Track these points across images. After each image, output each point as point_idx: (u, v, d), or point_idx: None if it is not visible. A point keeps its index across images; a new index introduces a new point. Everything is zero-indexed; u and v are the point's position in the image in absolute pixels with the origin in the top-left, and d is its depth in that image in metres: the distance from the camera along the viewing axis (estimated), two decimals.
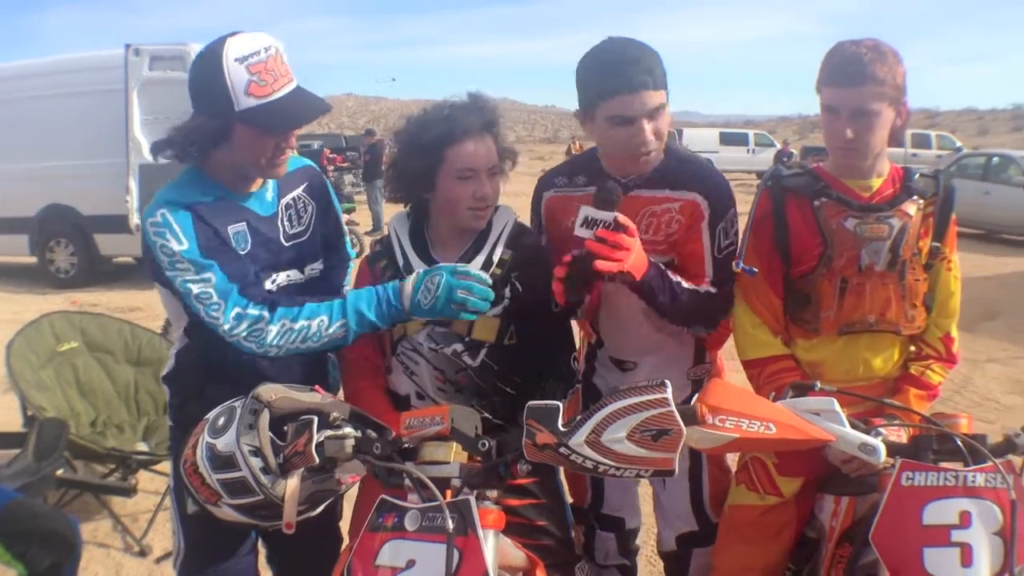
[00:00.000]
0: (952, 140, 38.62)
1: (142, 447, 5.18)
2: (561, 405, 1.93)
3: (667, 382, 1.89)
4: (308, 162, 2.88)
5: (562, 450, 1.87)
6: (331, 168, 23.81)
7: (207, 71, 2.41)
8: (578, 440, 1.85)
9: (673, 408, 1.84)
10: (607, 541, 3.24)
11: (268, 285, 2.62)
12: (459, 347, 2.66)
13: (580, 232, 2.43)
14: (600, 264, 2.38)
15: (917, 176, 2.73)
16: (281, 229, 2.67)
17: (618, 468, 1.86)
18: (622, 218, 2.42)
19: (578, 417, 1.90)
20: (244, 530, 2.73)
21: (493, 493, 2.06)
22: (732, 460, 3.12)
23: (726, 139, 39.54)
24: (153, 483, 5.37)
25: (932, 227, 2.73)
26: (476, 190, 2.62)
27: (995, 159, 20.93)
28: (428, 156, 2.60)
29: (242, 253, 2.56)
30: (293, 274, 2.70)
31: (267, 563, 3.07)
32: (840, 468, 2.52)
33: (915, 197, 2.69)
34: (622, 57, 2.59)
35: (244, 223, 2.59)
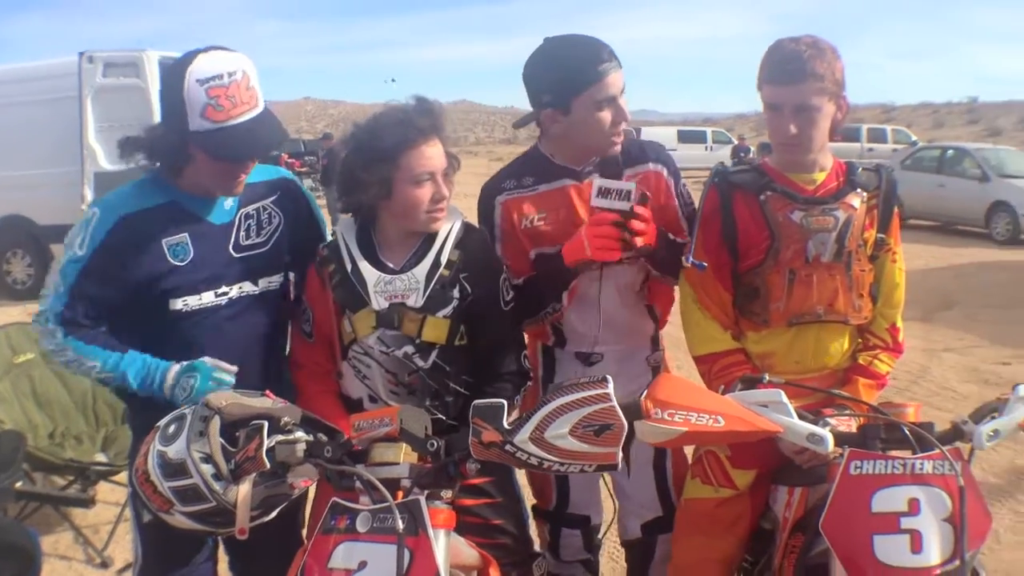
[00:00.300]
0: (908, 134, 39.09)
1: (101, 458, 5.13)
2: (506, 403, 1.95)
3: (608, 377, 1.92)
4: (285, 173, 2.88)
5: (507, 447, 1.89)
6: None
7: (170, 85, 2.44)
8: (522, 437, 1.87)
9: (615, 403, 1.87)
10: (572, 538, 3.26)
11: (213, 298, 2.62)
12: (410, 349, 2.65)
13: (597, 202, 2.64)
14: (638, 241, 2.64)
15: (860, 170, 2.78)
16: (233, 239, 2.67)
17: (562, 464, 1.89)
18: (659, 181, 2.83)
19: (523, 415, 1.91)
20: (200, 538, 2.72)
21: (448, 493, 2.07)
22: (689, 448, 3.15)
23: (684, 137, 39.60)
24: (114, 494, 5.32)
25: (876, 219, 2.79)
26: (435, 193, 2.63)
27: (950, 152, 21.21)
28: (384, 163, 2.59)
29: (180, 264, 2.57)
30: (246, 286, 2.70)
31: (229, 570, 3.05)
32: (793, 459, 2.55)
33: (859, 190, 2.74)
34: (592, 45, 2.77)
35: (185, 234, 2.59)
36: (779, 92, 2.62)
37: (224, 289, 2.65)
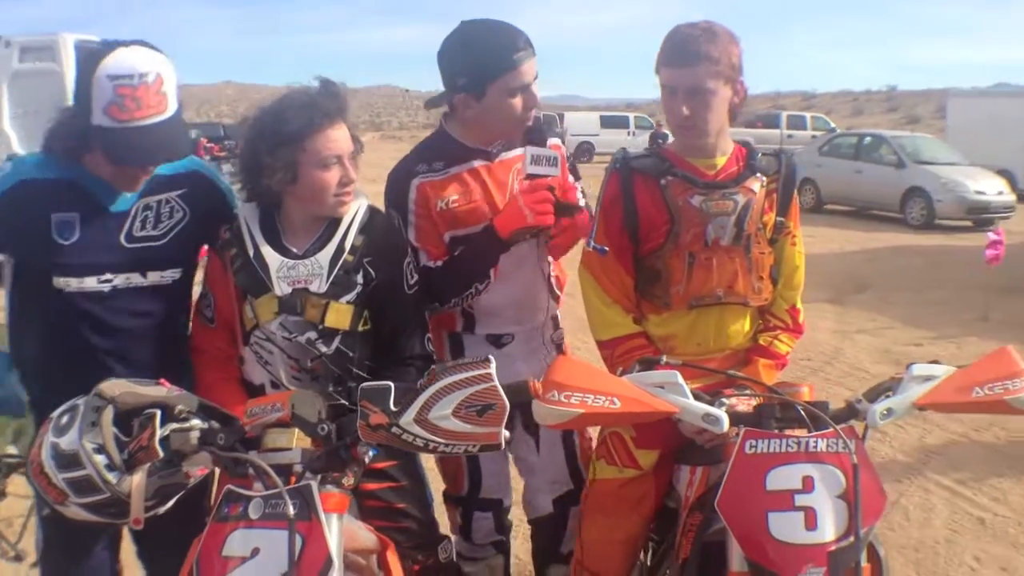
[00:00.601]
0: (826, 121, 39.80)
1: (12, 450, 4.99)
2: (393, 385, 1.95)
3: (491, 358, 1.93)
4: (199, 167, 2.82)
5: (394, 429, 1.89)
6: (208, 158, 23.18)
7: (83, 73, 2.40)
8: (408, 419, 1.88)
9: (496, 383, 1.88)
10: (484, 521, 3.29)
11: (96, 284, 2.57)
12: (313, 335, 2.63)
13: (533, 169, 2.80)
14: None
15: (760, 155, 2.82)
16: (125, 229, 2.61)
17: (447, 445, 1.90)
18: (562, 154, 2.94)
19: (409, 397, 1.92)
20: (99, 528, 2.68)
21: (349, 480, 2.06)
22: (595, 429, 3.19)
23: (607, 122, 39.84)
24: (26, 486, 5.19)
25: (776, 203, 2.83)
26: (342, 176, 2.61)
27: (867, 139, 21.68)
28: (290, 147, 2.55)
29: (64, 243, 2.52)
30: (134, 277, 2.64)
31: (137, 558, 3.01)
32: (694, 439, 2.58)
33: (759, 174, 2.78)
34: (508, 32, 2.83)
35: (76, 214, 2.54)
36: (673, 74, 2.66)
37: (108, 277, 2.59)
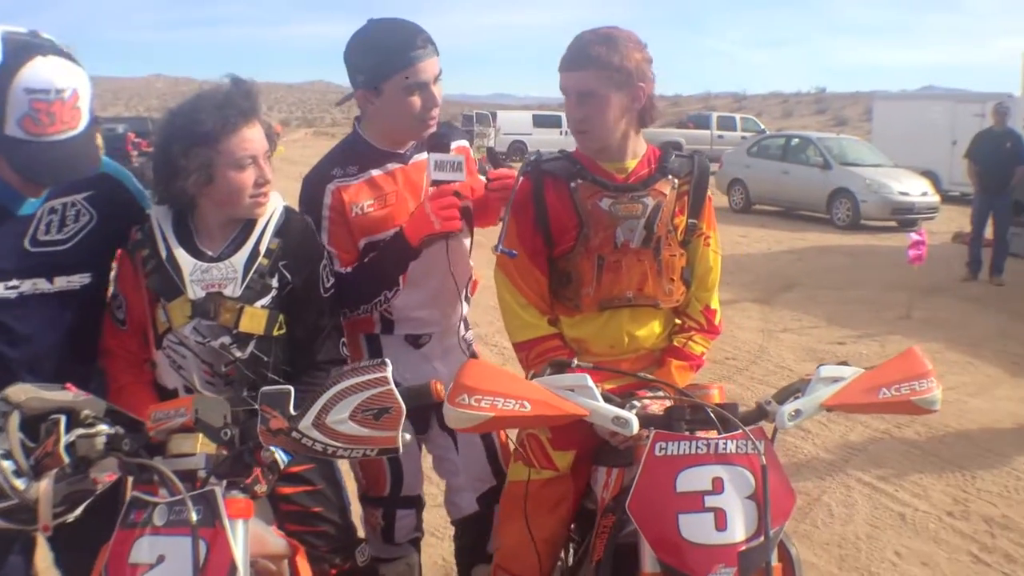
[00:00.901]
0: (756, 123, 40.32)
1: None
2: (293, 389, 1.95)
3: (387, 361, 1.94)
4: (110, 170, 2.75)
5: (294, 434, 1.90)
6: (135, 153, 22.73)
7: (1, 78, 2.32)
8: (306, 423, 1.89)
9: (393, 387, 1.90)
10: (407, 519, 3.31)
11: (3, 290, 2.51)
12: (227, 340, 2.60)
13: (437, 175, 2.79)
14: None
15: (673, 157, 2.84)
16: (30, 233, 2.56)
17: (346, 449, 1.91)
18: (468, 155, 2.98)
19: (307, 401, 1.92)
20: (10, 534, 2.63)
21: (263, 486, 2.06)
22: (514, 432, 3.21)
23: (539, 121, 39.89)
24: None
25: (687, 205, 2.86)
26: (258, 177, 2.59)
27: (794, 140, 22.01)
28: (205, 148, 2.52)
29: None
30: (40, 283, 2.58)
31: (55, 565, 2.96)
32: (609, 440, 2.61)
33: (670, 176, 2.81)
34: (407, 30, 2.84)
35: None
36: (564, 78, 2.72)
37: (14, 283, 2.53)
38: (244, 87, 2.62)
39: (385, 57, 2.82)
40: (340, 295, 2.87)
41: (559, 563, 3.12)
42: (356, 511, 3.25)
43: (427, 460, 3.41)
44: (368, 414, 1.87)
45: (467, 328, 3.35)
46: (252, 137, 2.57)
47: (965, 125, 20.93)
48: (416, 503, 3.33)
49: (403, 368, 3.05)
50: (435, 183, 2.79)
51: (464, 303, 3.26)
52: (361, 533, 3.22)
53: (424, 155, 2.94)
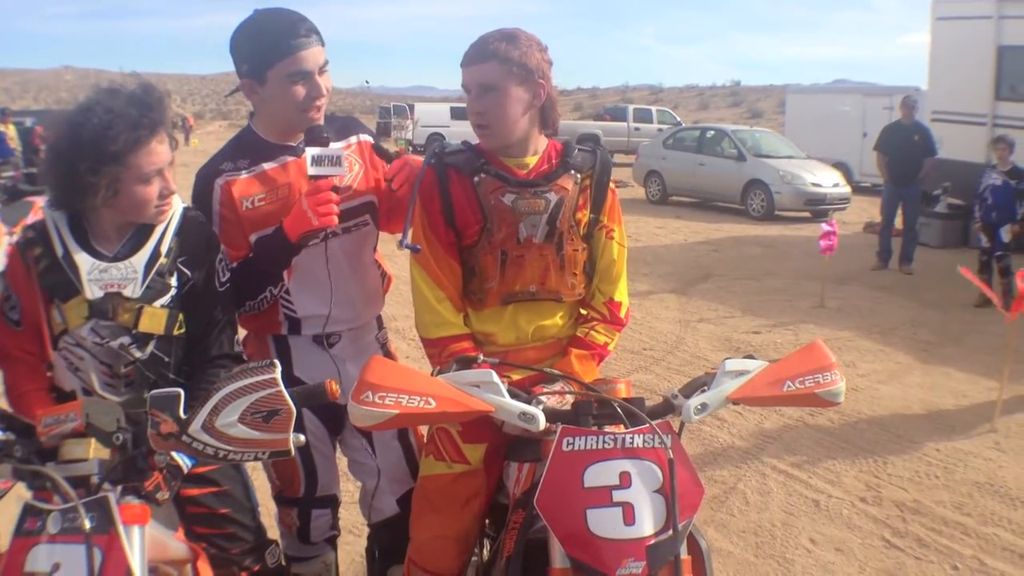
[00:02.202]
0: (672, 115, 40.73)
1: None
2: (182, 392, 1.91)
3: (276, 363, 1.92)
4: None
5: (184, 438, 1.86)
6: (44, 147, 22.11)
7: None
8: (196, 427, 1.86)
9: (282, 388, 1.88)
10: (323, 519, 3.27)
11: None
12: (126, 340, 2.55)
13: (314, 171, 2.73)
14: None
15: (576, 151, 2.85)
16: None
17: (238, 452, 1.89)
18: (345, 151, 2.86)
19: (197, 404, 1.89)
20: None
21: (164, 493, 2.01)
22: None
23: (457, 114, 39.76)
24: None
25: (589, 199, 2.87)
26: (162, 188, 2.55)
27: (709, 133, 22.28)
28: (114, 165, 2.43)
29: None
30: None
31: None
32: (521, 435, 2.59)
33: (573, 171, 2.82)
34: (290, 19, 2.81)
35: None
36: (466, 72, 2.74)
37: None
38: (153, 95, 2.55)
39: (268, 47, 2.78)
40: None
41: (474, 558, 3.11)
42: (270, 511, 3.20)
43: (343, 460, 3.37)
44: (258, 416, 1.85)
45: (380, 327, 3.31)
46: (159, 151, 2.52)
47: (875, 118, 21.42)
48: (332, 502, 3.30)
49: (312, 369, 3.03)
50: (313, 178, 2.75)
51: (375, 301, 3.23)
52: (273, 533, 3.17)
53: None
